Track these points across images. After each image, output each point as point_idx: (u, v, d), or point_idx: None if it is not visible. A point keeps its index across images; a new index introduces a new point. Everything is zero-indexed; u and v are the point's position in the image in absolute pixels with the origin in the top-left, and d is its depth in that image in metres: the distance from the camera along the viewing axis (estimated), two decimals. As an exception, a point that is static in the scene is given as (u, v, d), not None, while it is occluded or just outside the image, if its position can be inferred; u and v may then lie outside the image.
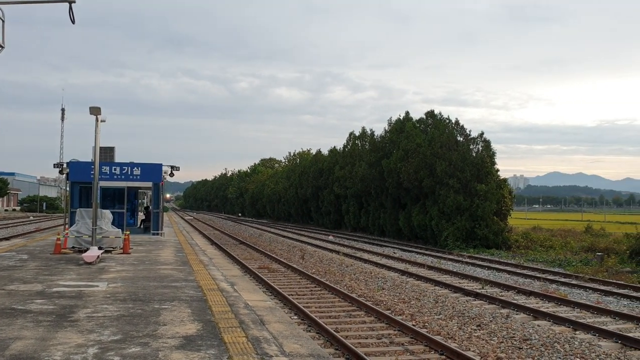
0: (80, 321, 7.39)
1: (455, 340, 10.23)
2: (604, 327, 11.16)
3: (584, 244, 29.28)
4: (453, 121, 36.67)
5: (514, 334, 10.74)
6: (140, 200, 39.61)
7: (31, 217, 63.47)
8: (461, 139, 35.02)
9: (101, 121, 16.53)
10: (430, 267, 21.43)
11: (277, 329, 7.28)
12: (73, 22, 8.76)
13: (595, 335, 10.77)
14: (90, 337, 6.50)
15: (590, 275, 19.46)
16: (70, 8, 8.51)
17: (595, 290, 16.59)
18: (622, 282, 17.93)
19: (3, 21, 10.02)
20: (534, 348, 9.80)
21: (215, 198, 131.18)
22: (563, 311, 13.26)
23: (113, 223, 19.11)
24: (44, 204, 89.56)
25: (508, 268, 21.83)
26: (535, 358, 9.24)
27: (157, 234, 25.15)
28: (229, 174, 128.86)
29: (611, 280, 18.27)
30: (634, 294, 16.02)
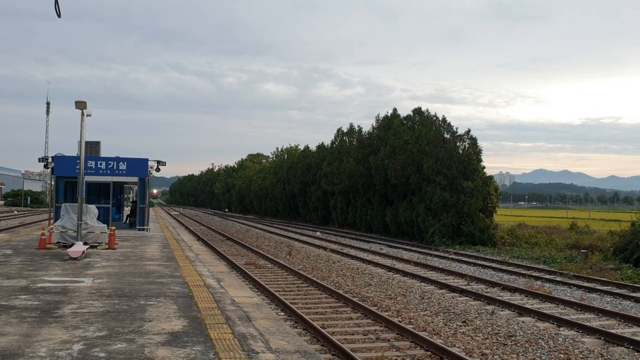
0: (65, 317, 7.33)
1: (441, 336, 10.29)
2: (587, 324, 11.29)
3: (568, 241, 29.55)
4: (440, 118, 36.89)
5: (499, 330, 10.82)
6: (126, 195, 39.36)
7: (15, 212, 62.80)
8: (448, 136, 35.19)
9: (87, 115, 16.40)
10: (416, 264, 21.52)
11: (264, 326, 7.28)
12: (59, 15, 8.66)
13: (579, 331, 10.88)
14: (75, 333, 6.45)
15: (575, 272, 19.65)
16: (56, 1, 8.41)
17: (579, 287, 16.76)
18: (606, 279, 18.13)
19: None
20: (518, 344, 9.89)
21: (202, 193, 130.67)
22: (547, 308, 13.39)
23: (98, 218, 18.99)
24: (29, 199, 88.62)
25: (493, 265, 21.99)
26: (520, 354, 9.32)
27: (143, 229, 25.01)
28: (216, 169, 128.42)
29: (595, 277, 18.46)
30: (617, 290, 16.22)
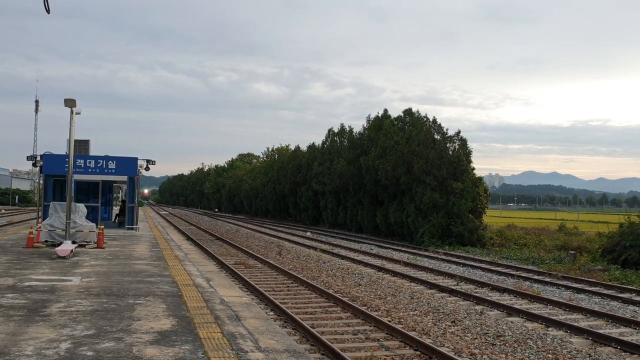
0: (52, 316, 7.28)
1: (430, 336, 10.31)
2: (575, 324, 11.35)
3: (557, 242, 29.71)
4: (431, 119, 36.97)
5: (487, 330, 10.86)
6: (115, 195, 39.17)
7: (3, 210, 62.30)
8: (438, 137, 35.28)
9: (76, 114, 16.29)
10: (406, 264, 21.56)
11: (253, 325, 7.26)
12: (48, 11, 8.60)
13: (567, 332, 10.94)
14: (62, 332, 6.40)
15: (563, 273, 19.76)
16: (45, -3, 8.35)
17: (567, 287, 16.85)
18: (594, 280, 18.24)
19: None
20: (507, 344, 9.92)
21: (192, 193, 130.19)
22: (536, 308, 13.45)
23: (87, 217, 18.87)
24: (17, 197, 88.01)
25: (483, 265, 22.07)
26: (509, 354, 9.35)
27: (132, 228, 24.90)
28: (206, 168, 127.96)
29: (583, 278, 18.57)
30: (605, 291, 16.32)
